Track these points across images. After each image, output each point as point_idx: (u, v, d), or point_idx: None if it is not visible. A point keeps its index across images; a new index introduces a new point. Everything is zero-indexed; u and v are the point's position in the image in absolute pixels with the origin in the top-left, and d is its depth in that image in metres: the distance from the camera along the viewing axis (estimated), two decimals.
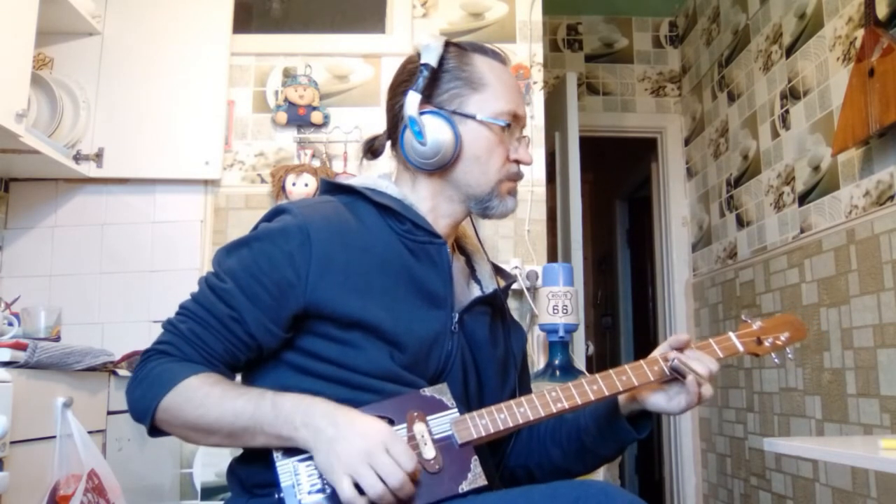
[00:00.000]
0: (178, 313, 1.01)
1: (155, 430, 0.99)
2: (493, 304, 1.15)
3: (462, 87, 1.09)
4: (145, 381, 0.97)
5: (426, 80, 1.08)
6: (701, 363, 1.02)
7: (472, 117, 1.07)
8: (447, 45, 1.11)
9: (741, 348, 1.11)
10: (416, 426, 0.94)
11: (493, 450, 1.10)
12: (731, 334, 1.12)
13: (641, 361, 1.04)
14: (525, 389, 1.20)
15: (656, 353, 1.06)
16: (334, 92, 2.55)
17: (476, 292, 1.15)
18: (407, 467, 0.86)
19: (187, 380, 0.95)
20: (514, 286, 2.25)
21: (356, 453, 0.86)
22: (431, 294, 1.05)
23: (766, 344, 1.12)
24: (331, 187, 1.14)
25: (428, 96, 1.09)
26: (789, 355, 1.15)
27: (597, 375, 1.02)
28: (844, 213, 2.28)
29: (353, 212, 1.07)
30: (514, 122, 1.10)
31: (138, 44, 2.43)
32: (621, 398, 1.08)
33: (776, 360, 1.16)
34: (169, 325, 1.01)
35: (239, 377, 1.07)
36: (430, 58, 1.08)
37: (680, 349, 1.05)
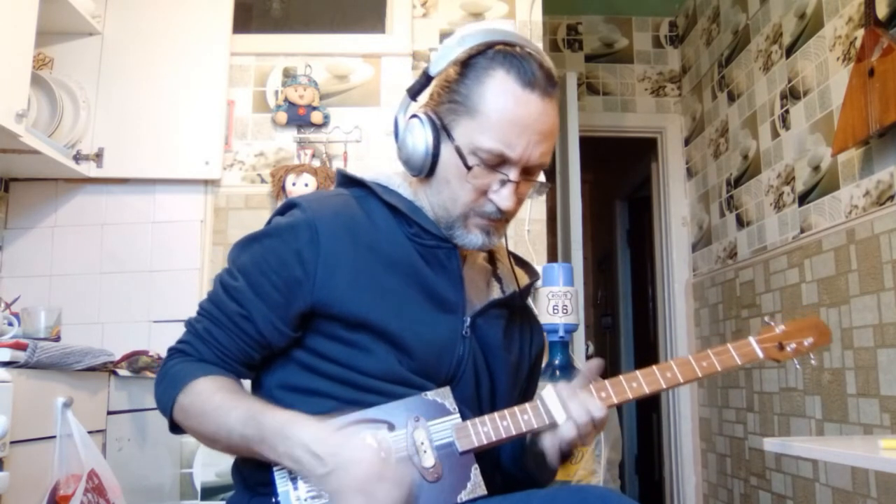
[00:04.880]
0: (196, 312, 1.04)
1: (175, 428, 1.01)
2: (511, 306, 1.12)
3: (460, 105, 0.99)
4: (164, 380, 1.00)
5: (420, 86, 1.05)
6: (577, 401, 0.96)
7: (452, 141, 0.99)
8: (488, 48, 1.00)
9: (761, 354, 1.05)
10: (417, 433, 0.92)
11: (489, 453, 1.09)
12: (752, 339, 1.06)
13: (654, 367, 1.01)
14: (529, 396, 1.18)
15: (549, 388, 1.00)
16: (334, 92, 2.55)
17: (496, 293, 1.12)
18: (405, 483, 0.85)
19: (196, 381, 0.96)
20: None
21: (350, 490, 0.84)
22: (441, 299, 1.02)
23: (789, 349, 1.07)
24: (345, 180, 1.12)
25: (435, 100, 1.03)
26: (812, 361, 1.10)
27: (606, 382, 1.00)
28: (844, 213, 2.28)
29: (363, 207, 1.04)
30: (502, 163, 0.98)
31: (138, 44, 2.43)
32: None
33: (798, 366, 1.10)
34: (188, 325, 1.04)
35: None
36: (435, 63, 1.02)
37: (590, 379, 1.00)
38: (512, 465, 1.10)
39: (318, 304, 0.97)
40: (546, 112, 1.00)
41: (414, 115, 1.03)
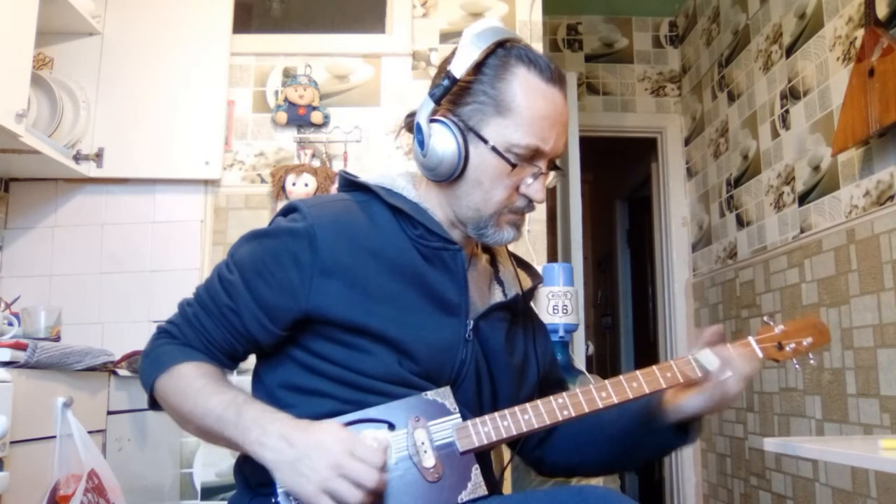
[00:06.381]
0: (192, 295, 1.06)
1: (155, 405, 1.04)
2: (514, 309, 1.12)
3: (486, 105, 0.99)
4: (149, 358, 1.03)
5: (445, 89, 1.00)
6: (737, 358, 1.00)
7: (485, 142, 0.99)
8: (497, 47, 1.00)
9: (760, 354, 1.06)
10: (417, 433, 0.92)
11: (511, 443, 1.08)
12: (752, 339, 1.07)
13: (654, 367, 1.02)
14: (554, 390, 1.18)
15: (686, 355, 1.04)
16: (334, 92, 2.55)
17: (498, 295, 1.11)
18: (377, 463, 0.86)
19: (180, 366, 0.99)
20: None
21: (324, 468, 0.85)
22: (444, 301, 1.02)
23: (788, 349, 1.07)
24: (347, 184, 1.11)
25: (453, 102, 1.01)
26: (811, 360, 1.10)
27: (606, 382, 1.00)
28: (844, 213, 2.28)
29: (366, 212, 1.03)
30: (536, 157, 1.00)
31: (138, 44, 2.43)
32: (666, 400, 1.05)
33: (797, 366, 1.10)
34: (180, 307, 1.06)
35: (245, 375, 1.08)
36: (458, 66, 0.99)
37: (715, 343, 1.03)
38: (596, 446, 1.12)
39: (313, 311, 0.97)
40: (565, 104, 1.04)
41: (434, 120, 1.01)
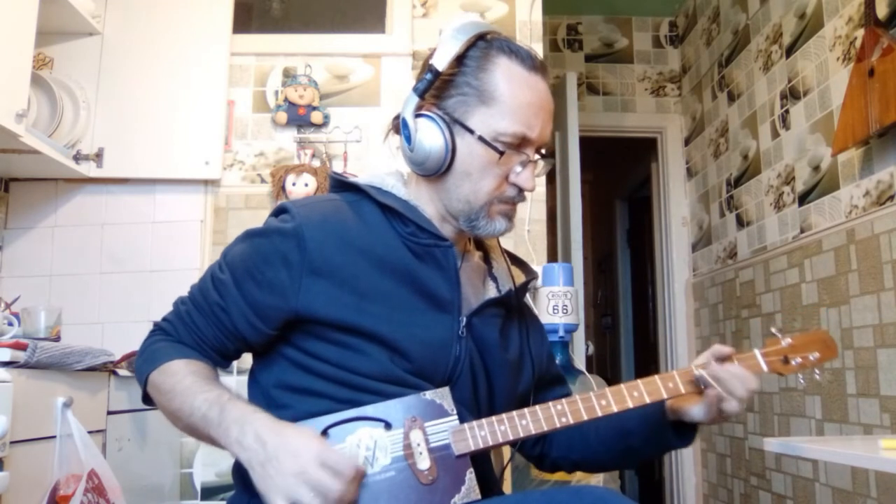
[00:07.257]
0: (187, 293, 1.09)
1: (148, 400, 1.05)
2: (508, 305, 1.11)
3: (470, 96, 1.00)
4: (143, 355, 1.05)
5: (428, 83, 1.01)
6: (736, 379, 0.99)
7: (472, 132, 1.00)
8: (478, 39, 1.02)
9: (765, 368, 1.05)
10: (413, 434, 0.92)
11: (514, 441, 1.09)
12: (757, 352, 1.06)
13: (656, 377, 1.02)
14: (548, 390, 1.19)
15: (697, 361, 1.05)
16: (334, 92, 2.55)
17: (491, 292, 1.12)
18: (346, 474, 0.85)
19: (172, 363, 1.00)
20: None
21: (289, 474, 0.84)
22: (436, 298, 1.02)
23: (794, 363, 1.06)
24: (338, 184, 1.11)
25: (437, 96, 1.02)
26: (817, 375, 1.09)
27: (606, 389, 1.00)
28: (844, 213, 2.28)
29: (356, 211, 1.04)
30: (523, 144, 1.01)
31: (138, 44, 2.43)
32: (669, 403, 1.06)
33: (802, 381, 1.10)
34: (175, 305, 1.09)
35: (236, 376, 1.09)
36: (440, 59, 1.01)
37: (722, 360, 1.03)
38: (601, 444, 1.14)
39: (303, 310, 0.97)
40: (548, 91, 1.05)
41: (420, 115, 1.02)
